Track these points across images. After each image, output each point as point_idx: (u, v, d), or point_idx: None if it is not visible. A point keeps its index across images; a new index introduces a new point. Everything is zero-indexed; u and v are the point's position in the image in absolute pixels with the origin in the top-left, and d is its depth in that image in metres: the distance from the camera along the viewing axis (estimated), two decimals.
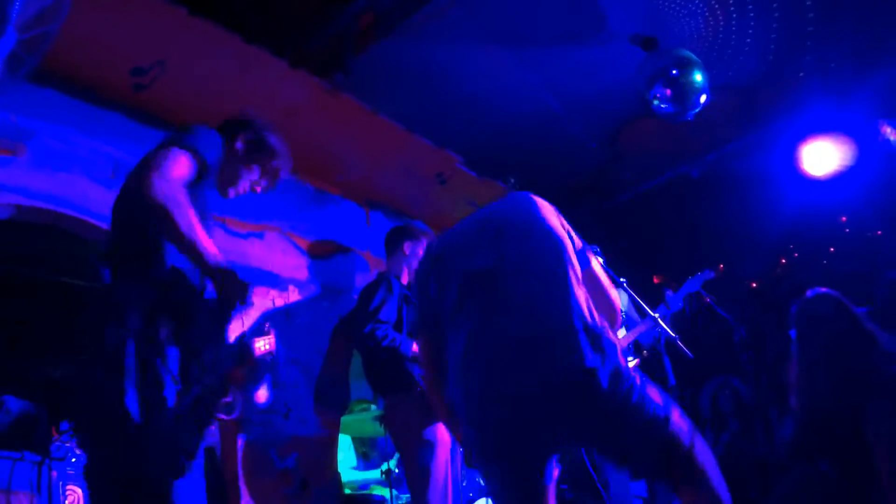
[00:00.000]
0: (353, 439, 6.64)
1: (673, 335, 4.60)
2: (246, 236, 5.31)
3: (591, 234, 6.52)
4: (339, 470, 5.62)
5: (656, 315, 4.63)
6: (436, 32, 4.37)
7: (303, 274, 5.64)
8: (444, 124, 5.40)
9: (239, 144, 3.13)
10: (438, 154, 5.74)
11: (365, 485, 6.24)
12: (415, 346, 4.51)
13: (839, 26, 4.89)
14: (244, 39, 4.23)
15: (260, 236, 5.40)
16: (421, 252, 5.02)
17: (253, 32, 4.22)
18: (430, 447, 4.38)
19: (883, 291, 4.51)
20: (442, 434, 4.45)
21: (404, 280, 4.99)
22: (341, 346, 5.43)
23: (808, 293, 4.05)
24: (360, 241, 6.17)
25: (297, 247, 5.67)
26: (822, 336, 3.87)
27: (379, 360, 4.54)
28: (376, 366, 4.63)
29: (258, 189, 3.23)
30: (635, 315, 5.47)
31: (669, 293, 5.63)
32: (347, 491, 6.07)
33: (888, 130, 5.57)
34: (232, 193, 3.17)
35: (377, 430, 5.34)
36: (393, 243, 5.12)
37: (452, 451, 4.59)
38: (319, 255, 5.81)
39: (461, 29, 4.40)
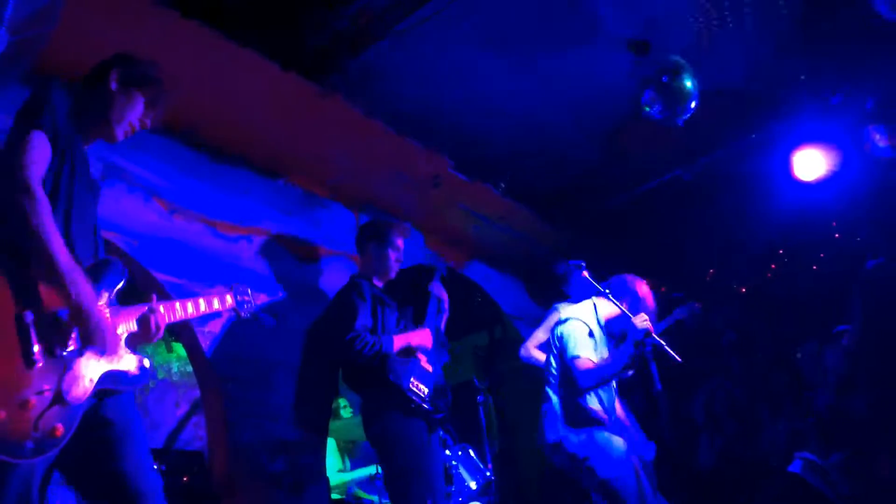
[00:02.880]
0: (337, 441, 6.64)
1: (659, 340, 4.61)
2: (236, 240, 5.29)
3: (583, 237, 6.57)
4: (328, 474, 5.61)
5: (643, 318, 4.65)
6: (430, 36, 4.37)
7: (292, 277, 5.63)
8: (438, 127, 5.40)
9: (113, 84, 2.98)
10: (431, 157, 5.74)
11: (352, 488, 6.23)
12: (396, 342, 4.50)
13: (827, 32, 4.93)
14: (237, 42, 4.22)
15: (249, 239, 5.39)
16: (389, 250, 4.95)
17: (246, 35, 4.21)
18: (408, 448, 4.35)
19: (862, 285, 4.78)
20: (420, 435, 4.43)
21: (377, 281, 4.94)
22: (325, 348, 5.41)
23: (868, 263, 4.75)
24: (350, 244, 6.15)
25: (286, 250, 5.65)
26: (879, 295, 4.52)
27: (359, 363, 4.49)
28: (356, 367, 4.59)
29: (148, 123, 3.08)
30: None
31: (659, 324, 5.73)
32: (336, 496, 6.06)
33: (877, 137, 5.62)
34: (121, 134, 3.03)
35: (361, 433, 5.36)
36: (361, 244, 5.11)
37: (434, 453, 4.57)
38: (309, 258, 5.80)
39: (456, 32, 4.41)
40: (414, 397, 4.41)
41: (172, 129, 4.80)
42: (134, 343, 2.77)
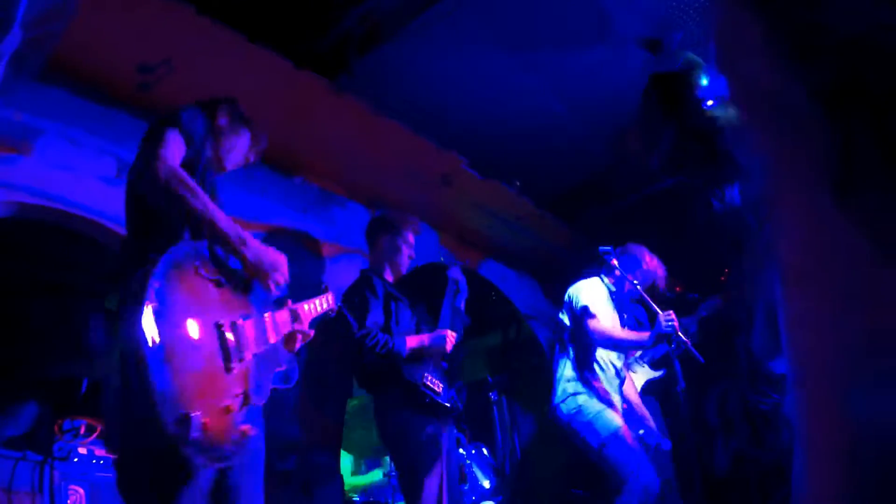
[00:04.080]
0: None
1: (684, 339, 4.63)
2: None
3: (597, 237, 6.54)
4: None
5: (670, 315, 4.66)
6: (441, 34, 4.35)
7: (309, 275, 5.63)
8: (449, 126, 5.38)
9: (222, 119, 3.18)
10: (443, 155, 5.72)
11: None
12: (409, 342, 4.46)
13: None
14: (250, 39, 4.22)
15: (265, 237, 5.39)
16: (402, 245, 4.91)
17: (259, 32, 4.21)
18: (420, 447, 4.33)
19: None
20: (433, 433, 4.40)
21: (388, 276, 4.88)
22: (337, 346, 5.40)
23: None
24: (365, 242, 6.16)
25: (303, 247, 5.66)
26: None
27: (370, 361, 4.47)
28: (367, 365, 4.56)
29: (251, 158, 3.34)
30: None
31: (685, 319, 5.76)
32: (351, 495, 6.06)
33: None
34: (229, 166, 3.25)
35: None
36: (371, 237, 5.02)
37: (447, 451, 4.54)
38: (324, 256, 5.80)
39: (466, 31, 4.39)
40: (429, 392, 4.38)
41: None
42: (287, 345, 2.97)
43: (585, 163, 6.24)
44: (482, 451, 6.08)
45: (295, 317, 2.97)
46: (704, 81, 4.71)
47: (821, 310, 0.75)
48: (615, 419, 4.79)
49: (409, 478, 4.36)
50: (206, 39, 4.19)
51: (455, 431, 4.85)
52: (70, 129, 4.36)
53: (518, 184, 6.38)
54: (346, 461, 6.30)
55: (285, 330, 2.89)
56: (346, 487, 5.96)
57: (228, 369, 2.41)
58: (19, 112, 4.08)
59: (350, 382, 5.62)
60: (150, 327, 2.18)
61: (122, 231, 4.38)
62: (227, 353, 2.42)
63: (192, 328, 2.36)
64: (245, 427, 2.42)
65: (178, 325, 2.31)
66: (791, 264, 0.79)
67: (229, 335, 2.45)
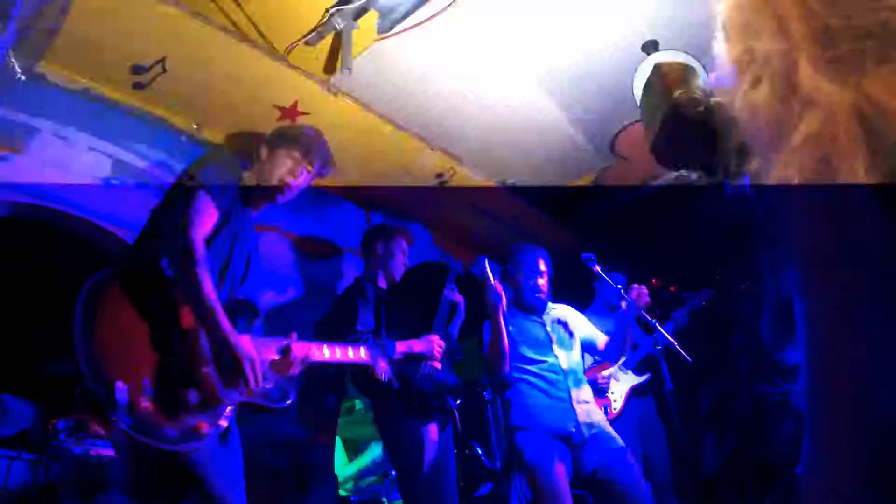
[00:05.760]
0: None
1: (671, 339, 4.61)
2: None
3: (591, 237, 6.54)
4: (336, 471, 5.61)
5: (654, 321, 4.65)
6: (436, 32, 4.34)
7: (303, 274, 5.63)
8: (444, 125, 5.37)
9: (263, 151, 3.39)
10: (438, 155, 5.72)
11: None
12: (398, 348, 4.49)
13: None
14: (243, 38, 4.21)
15: (259, 236, 5.37)
16: (396, 251, 4.99)
17: (252, 31, 4.20)
18: (418, 448, 4.36)
19: None
20: (431, 434, 4.43)
21: (382, 283, 4.96)
22: None
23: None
24: (359, 242, 6.15)
25: (297, 247, 5.66)
26: None
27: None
28: (361, 369, 4.58)
29: (300, 177, 3.50)
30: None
31: (676, 313, 5.75)
32: (344, 493, 6.06)
33: None
34: (280, 199, 3.46)
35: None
36: (367, 245, 5.15)
37: (445, 451, 4.56)
38: (318, 256, 5.80)
39: (462, 29, 4.38)
40: (417, 396, 4.42)
41: (180, 126, 4.80)
42: (276, 369, 3.04)
43: (581, 163, 6.22)
44: (476, 451, 6.08)
45: (285, 352, 3.06)
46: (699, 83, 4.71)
47: (845, 299, 0.73)
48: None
49: (407, 479, 4.40)
50: (198, 38, 4.18)
51: (451, 431, 4.88)
52: (64, 128, 4.35)
53: (512, 183, 6.37)
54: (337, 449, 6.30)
55: (267, 357, 2.99)
56: (341, 478, 5.98)
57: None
58: (13, 110, 4.08)
59: (343, 382, 5.63)
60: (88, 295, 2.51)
61: (116, 230, 4.41)
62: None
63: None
64: (200, 423, 2.48)
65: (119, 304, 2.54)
66: (814, 252, 0.76)
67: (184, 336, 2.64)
